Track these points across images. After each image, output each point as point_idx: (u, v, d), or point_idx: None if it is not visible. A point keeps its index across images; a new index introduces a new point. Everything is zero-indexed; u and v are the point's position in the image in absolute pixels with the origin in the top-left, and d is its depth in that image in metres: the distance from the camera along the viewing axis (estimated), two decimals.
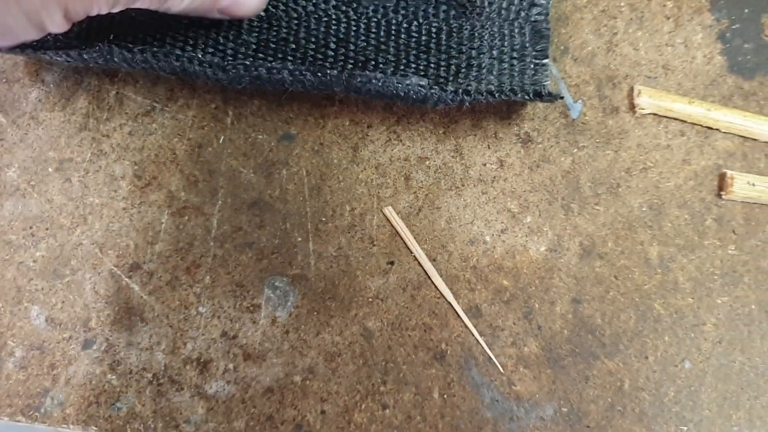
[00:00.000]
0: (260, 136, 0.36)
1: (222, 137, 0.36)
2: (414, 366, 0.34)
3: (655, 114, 0.37)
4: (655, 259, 0.35)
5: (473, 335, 0.34)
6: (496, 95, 0.33)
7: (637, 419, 0.34)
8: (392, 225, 0.36)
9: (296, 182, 0.36)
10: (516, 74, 0.35)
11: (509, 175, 0.36)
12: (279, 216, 0.35)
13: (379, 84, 0.33)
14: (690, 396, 0.34)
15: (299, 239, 0.35)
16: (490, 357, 0.34)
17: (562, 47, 0.38)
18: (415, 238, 0.35)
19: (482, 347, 0.34)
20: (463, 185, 0.36)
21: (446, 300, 0.35)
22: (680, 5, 0.38)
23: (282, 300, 0.35)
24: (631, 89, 0.37)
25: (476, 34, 0.36)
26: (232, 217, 0.35)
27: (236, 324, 0.34)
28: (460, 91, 0.33)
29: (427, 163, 0.36)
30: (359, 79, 0.33)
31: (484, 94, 0.33)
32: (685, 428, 0.34)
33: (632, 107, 0.37)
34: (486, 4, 0.36)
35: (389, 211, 0.36)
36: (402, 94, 0.33)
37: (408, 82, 0.33)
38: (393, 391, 0.34)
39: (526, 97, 0.33)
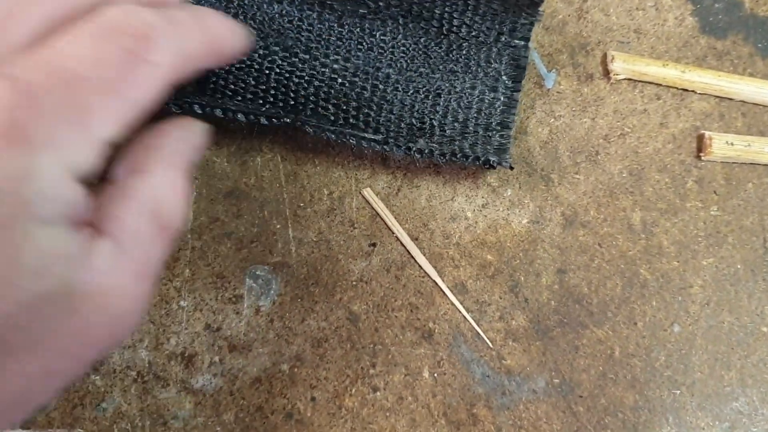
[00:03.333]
0: (231, 124, 0.35)
1: None
2: (402, 347, 0.34)
3: (629, 79, 0.36)
4: (638, 225, 0.35)
5: (460, 312, 0.34)
6: (458, 158, 0.33)
7: (630, 386, 0.34)
8: (372, 206, 0.35)
9: (271, 169, 0.35)
10: (480, 133, 0.34)
11: None
12: (256, 204, 0.35)
13: (332, 136, 0.32)
14: (681, 359, 0.34)
15: (278, 226, 0.35)
16: (478, 333, 0.34)
17: None
18: (395, 218, 0.35)
19: (470, 323, 0.34)
20: (440, 164, 0.36)
21: (431, 278, 0.34)
22: None
23: (264, 289, 0.34)
24: (605, 55, 0.37)
25: (440, 76, 0.35)
26: (209, 207, 0.35)
27: (219, 316, 0.34)
28: (417, 150, 0.33)
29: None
30: (312, 129, 0.32)
31: (446, 156, 0.33)
32: (678, 392, 0.34)
33: (607, 73, 0.37)
34: (464, 26, 0.35)
35: (368, 193, 0.35)
36: (355, 144, 0.33)
37: (363, 136, 0.33)
38: (383, 374, 0.33)
39: (488, 162, 0.33)
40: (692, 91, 0.36)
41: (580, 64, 0.37)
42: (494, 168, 0.33)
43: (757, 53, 0.37)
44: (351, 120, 0.33)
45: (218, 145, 0.35)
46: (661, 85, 0.36)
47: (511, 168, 0.33)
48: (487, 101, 0.34)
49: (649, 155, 0.36)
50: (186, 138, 0.25)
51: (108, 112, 0.20)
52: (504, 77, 0.35)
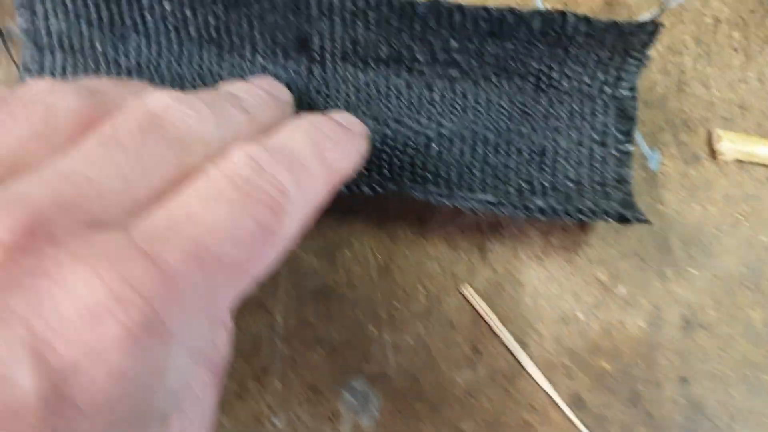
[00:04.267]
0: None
1: None
2: None
3: (738, 160, 0.34)
4: (760, 325, 0.32)
5: (580, 431, 0.30)
6: (585, 215, 0.29)
7: None
8: (473, 306, 0.31)
9: (361, 263, 0.31)
10: (598, 189, 0.31)
11: (593, 239, 0.32)
12: (347, 304, 0.30)
13: (443, 200, 0.29)
14: None
15: (372, 329, 0.30)
16: None
17: None
18: (499, 319, 0.31)
19: None
20: (544, 254, 0.32)
21: (544, 391, 0.30)
22: (747, 36, 0.35)
23: (363, 404, 0.29)
24: (710, 134, 0.34)
25: (550, 126, 0.31)
26: (297, 309, 0.30)
27: None
28: (538, 209, 0.29)
29: (501, 231, 0.32)
30: (419, 194, 0.29)
31: (571, 214, 0.29)
32: None
33: (713, 154, 0.34)
34: (565, 78, 0.31)
35: (468, 291, 0.31)
36: (467, 206, 0.29)
37: (476, 198, 0.29)
38: None
39: (623, 217, 0.29)
40: None
41: (685, 143, 0.34)
42: (630, 223, 0.29)
43: None
44: (454, 187, 0.30)
45: (304, 238, 0.30)
46: None
47: (649, 222, 0.29)
48: (598, 157, 0.31)
49: (765, 246, 0.33)
50: None
51: (233, 292, 0.19)
52: (613, 130, 0.31)
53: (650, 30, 0.29)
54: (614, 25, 0.29)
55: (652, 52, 0.31)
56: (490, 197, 0.30)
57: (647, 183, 0.33)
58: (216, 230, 0.19)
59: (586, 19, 0.29)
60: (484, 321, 0.31)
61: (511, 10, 0.29)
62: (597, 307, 0.31)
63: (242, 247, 0.19)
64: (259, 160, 0.20)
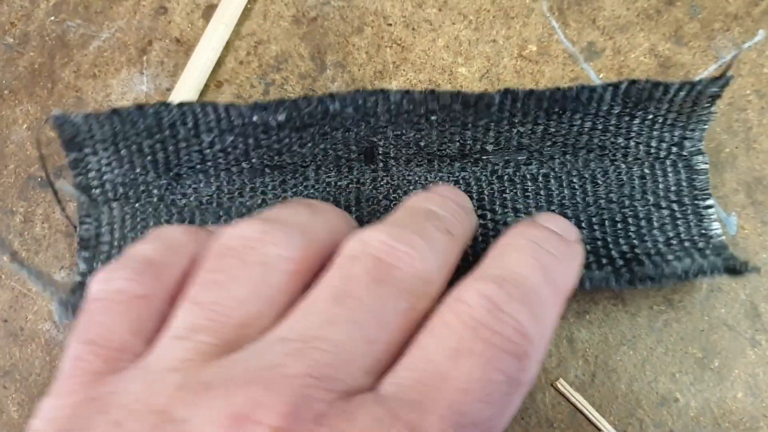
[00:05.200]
0: None
1: None
2: None
3: None
4: None
5: None
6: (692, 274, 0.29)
7: None
8: (569, 400, 0.31)
9: None
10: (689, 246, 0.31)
11: (681, 315, 0.32)
12: None
13: None
14: None
15: None
16: None
17: None
18: (597, 410, 0.31)
19: None
20: (633, 337, 0.32)
21: None
22: None
23: None
24: None
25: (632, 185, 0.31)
26: None
27: None
28: (645, 277, 0.29)
29: (588, 317, 0.32)
30: None
31: (682, 275, 0.29)
32: None
33: None
34: (632, 144, 0.31)
35: (562, 385, 0.31)
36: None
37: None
38: None
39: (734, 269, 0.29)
40: None
41: (761, 202, 0.33)
42: (741, 274, 0.29)
43: None
44: None
45: None
46: None
47: (757, 270, 0.30)
48: (679, 215, 0.31)
49: None
50: None
51: None
52: (686, 186, 0.31)
53: (721, 83, 0.29)
54: (687, 85, 0.29)
55: (714, 110, 0.31)
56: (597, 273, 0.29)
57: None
58: (467, 390, 0.18)
59: (661, 84, 0.29)
60: (582, 414, 0.31)
61: (585, 87, 0.29)
62: (693, 385, 0.31)
63: (495, 404, 0.19)
64: (495, 300, 0.20)
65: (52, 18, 0.37)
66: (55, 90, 0.36)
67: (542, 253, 0.22)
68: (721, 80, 0.29)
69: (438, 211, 0.24)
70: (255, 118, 0.29)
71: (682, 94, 0.30)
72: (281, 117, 0.29)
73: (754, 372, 0.31)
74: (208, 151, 0.31)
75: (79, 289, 0.30)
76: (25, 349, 0.32)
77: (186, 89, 0.34)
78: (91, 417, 0.18)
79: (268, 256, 0.21)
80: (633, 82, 0.29)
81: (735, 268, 0.29)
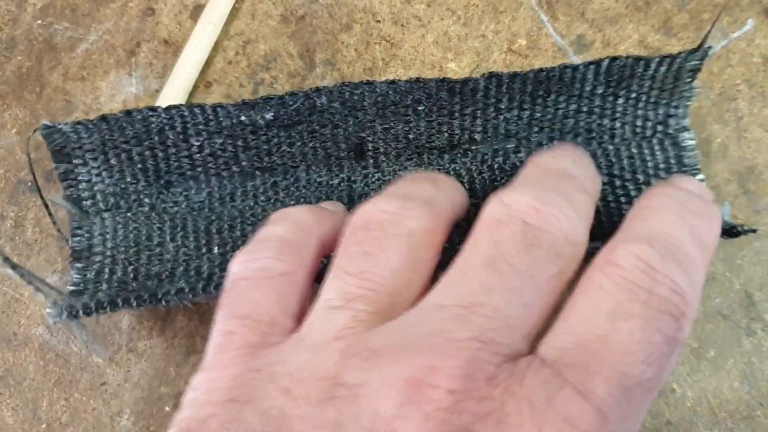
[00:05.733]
0: None
1: None
2: None
3: None
4: None
5: None
6: None
7: None
8: None
9: None
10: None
11: None
12: None
13: None
14: None
15: None
16: None
17: None
18: None
19: None
20: None
21: None
22: None
23: None
24: None
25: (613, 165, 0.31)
26: None
27: None
28: None
29: None
30: None
31: None
32: None
33: None
34: (618, 125, 0.31)
35: None
36: None
37: None
38: None
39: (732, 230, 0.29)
40: None
41: (753, 191, 0.33)
42: (738, 236, 0.29)
43: None
44: None
45: None
46: None
47: (755, 231, 0.30)
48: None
49: None
50: None
51: (645, 414, 0.19)
52: (675, 164, 0.31)
53: (700, 56, 0.29)
54: (667, 59, 0.29)
55: (704, 101, 0.31)
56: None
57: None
58: (631, 352, 0.18)
59: (642, 59, 0.29)
60: None
61: (568, 66, 0.29)
62: (690, 375, 0.31)
63: (655, 365, 0.19)
64: (648, 260, 0.20)
65: (39, 21, 0.37)
66: (43, 94, 0.35)
67: (687, 213, 0.22)
68: (700, 52, 0.29)
69: (572, 171, 0.24)
70: (243, 118, 0.29)
71: (662, 69, 0.30)
72: (269, 115, 0.29)
73: (750, 361, 0.31)
74: (197, 155, 0.31)
75: (73, 296, 0.29)
76: (18, 354, 0.32)
77: (175, 90, 0.34)
78: (258, 386, 0.19)
79: (411, 229, 0.22)
80: (614, 59, 0.29)
81: (733, 229, 0.29)
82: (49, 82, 0.36)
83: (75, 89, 0.35)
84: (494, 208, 0.22)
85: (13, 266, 0.27)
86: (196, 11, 0.36)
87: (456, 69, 0.35)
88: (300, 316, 0.21)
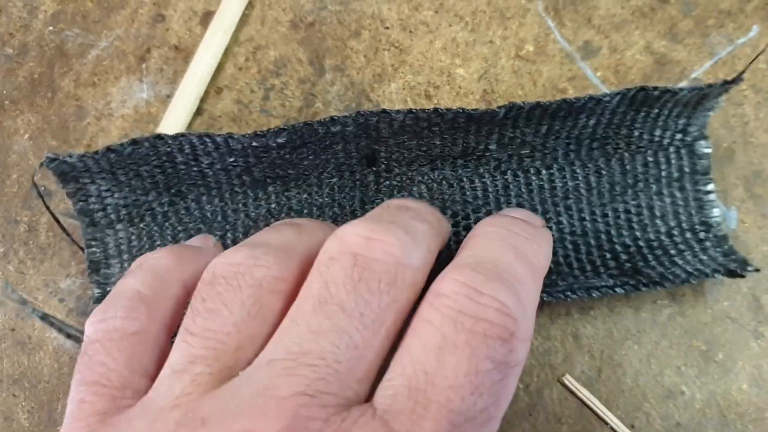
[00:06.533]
0: None
1: None
2: None
3: None
4: None
5: None
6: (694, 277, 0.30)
7: None
8: (575, 395, 0.31)
9: None
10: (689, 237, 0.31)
11: (684, 308, 0.32)
12: None
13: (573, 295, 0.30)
14: None
15: None
16: None
17: None
18: (604, 405, 0.31)
19: None
20: (638, 331, 0.32)
21: None
22: None
23: None
24: None
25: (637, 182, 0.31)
26: None
27: None
28: (649, 281, 0.30)
29: (592, 313, 0.32)
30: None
31: (677, 280, 0.30)
32: None
33: None
34: (636, 134, 0.31)
35: (569, 380, 0.31)
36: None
37: (594, 285, 0.30)
38: None
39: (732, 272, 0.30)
40: None
41: (760, 195, 0.34)
42: (743, 277, 0.30)
43: None
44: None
45: None
46: None
47: (758, 270, 0.30)
48: (680, 202, 0.32)
49: None
50: None
51: None
52: (688, 173, 0.32)
53: (730, 83, 0.30)
54: (696, 91, 0.29)
55: (721, 100, 0.31)
56: (610, 281, 0.30)
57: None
58: (458, 386, 0.18)
59: (669, 91, 0.29)
60: (590, 409, 0.31)
61: (593, 97, 0.29)
62: (698, 377, 0.32)
63: (487, 394, 0.18)
64: (473, 284, 0.20)
65: (51, 28, 0.37)
66: (55, 99, 0.36)
67: (511, 236, 0.23)
68: (731, 84, 0.30)
69: (412, 205, 0.25)
70: (254, 143, 0.29)
71: (692, 94, 0.30)
72: (281, 140, 0.29)
73: (758, 363, 0.32)
74: (208, 171, 0.30)
75: None
76: (33, 357, 0.32)
77: (186, 96, 0.34)
78: None
79: (257, 278, 0.21)
80: (642, 89, 0.29)
81: (735, 271, 0.29)
82: (60, 88, 0.36)
83: (86, 95, 0.36)
84: (329, 244, 0.21)
85: (43, 317, 0.27)
86: (206, 18, 0.36)
87: (464, 74, 0.35)
88: (156, 374, 0.21)
